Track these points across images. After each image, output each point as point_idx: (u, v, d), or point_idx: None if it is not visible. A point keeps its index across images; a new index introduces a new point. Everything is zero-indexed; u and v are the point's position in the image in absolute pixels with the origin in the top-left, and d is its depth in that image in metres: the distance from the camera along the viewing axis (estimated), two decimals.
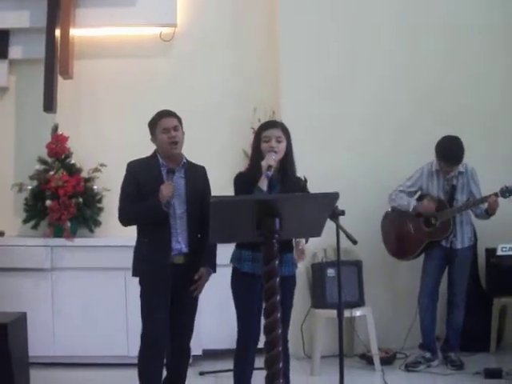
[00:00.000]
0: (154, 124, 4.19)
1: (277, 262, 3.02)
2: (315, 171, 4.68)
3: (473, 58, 6.30)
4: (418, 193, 5.70)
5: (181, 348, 4.29)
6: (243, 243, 3.98)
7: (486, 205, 5.42)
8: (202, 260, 4.20)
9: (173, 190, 4.05)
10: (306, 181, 4.11)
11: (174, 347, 4.25)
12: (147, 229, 4.16)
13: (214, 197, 2.91)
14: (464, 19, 6.28)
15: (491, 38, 6.33)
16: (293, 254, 4.12)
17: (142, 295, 4.19)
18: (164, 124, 4.15)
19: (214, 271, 4.27)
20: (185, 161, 4.25)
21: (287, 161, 4.08)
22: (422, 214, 5.56)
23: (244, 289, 4.03)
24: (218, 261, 4.26)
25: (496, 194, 5.31)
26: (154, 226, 4.10)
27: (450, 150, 5.45)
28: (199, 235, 4.22)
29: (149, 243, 4.15)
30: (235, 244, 4.17)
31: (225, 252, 4.16)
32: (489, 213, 5.46)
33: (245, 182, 4.04)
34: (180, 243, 4.15)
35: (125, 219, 4.20)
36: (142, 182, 4.13)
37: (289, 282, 4.06)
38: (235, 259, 4.14)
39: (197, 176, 4.25)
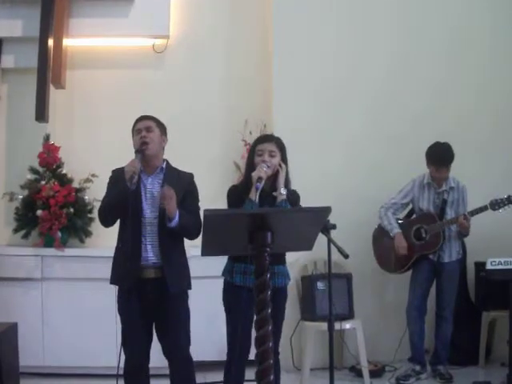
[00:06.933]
0: (132, 130, 4.18)
1: (268, 275, 3.03)
2: (306, 183, 4.70)
3: (475, 66, 6.31)
4: (410, 206, 5.73)
5: (178, 362, 4.10)
6: (237, 256, 3.98)
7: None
8: None
9: (136, 165, 3.90)
10: (298, 196, 4.17)
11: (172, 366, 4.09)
12: (122, 234, 4.03)
13: (207, 210, 2.91)
14: (469, 25, 6.31)
15: (496, 43, 6.34)
16: (285, 266, 4.17)
17: (119, 312, 4.08)
18: (137, 126, 4.13)
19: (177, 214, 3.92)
20: (163, 166, 4.13)
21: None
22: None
23: (236, 302, 4.01)
24: (208, 272, 4.14)
25: (465, 216, 5.35)
26: (126, 231, 3.93)
27: (437, 152, 5.50)
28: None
29: (121, 249, 4.00)
30: (228, 257, 4.17)
31: (213, 264, 4.12)
32: (462, 233, 5.52)
33: (237, 194, 4.09)
34: (148, 252, 3.97)
35: (100, 215, 4.09)
36: (121, 186, 3.95)
37: (281, 294, 4.13)
38: (227, 272, 4.16)
39: (178, 182, 4.07)
